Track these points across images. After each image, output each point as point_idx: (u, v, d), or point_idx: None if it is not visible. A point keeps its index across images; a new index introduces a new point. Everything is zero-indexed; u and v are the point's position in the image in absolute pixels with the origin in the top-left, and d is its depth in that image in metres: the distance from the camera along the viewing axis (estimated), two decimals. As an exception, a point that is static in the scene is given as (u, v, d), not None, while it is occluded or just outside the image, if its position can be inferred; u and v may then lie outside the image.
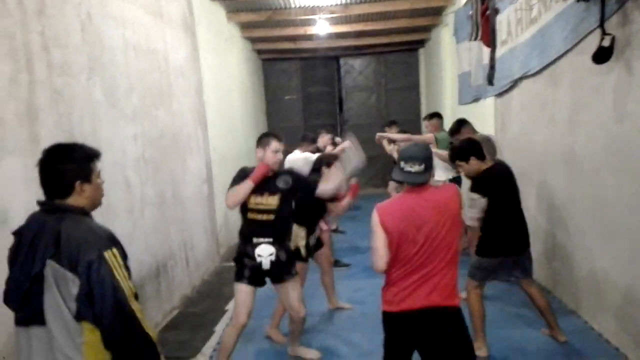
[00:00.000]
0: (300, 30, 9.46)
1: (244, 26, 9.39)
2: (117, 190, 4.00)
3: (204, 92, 6.57)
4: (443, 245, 2.43)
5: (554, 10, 4.28)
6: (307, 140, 6.11)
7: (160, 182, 4.84)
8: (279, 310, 4.11)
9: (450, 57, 8.78)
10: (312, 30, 9.22)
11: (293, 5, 8.16)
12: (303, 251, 4.08)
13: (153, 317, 4.48)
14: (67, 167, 1.94)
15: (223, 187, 3.78)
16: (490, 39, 3.24)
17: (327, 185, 3.41)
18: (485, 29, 3.23)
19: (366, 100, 12.42)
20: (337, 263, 5.56)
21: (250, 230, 3.37)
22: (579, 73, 3.96)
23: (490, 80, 3.58)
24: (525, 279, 3.71)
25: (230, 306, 4.76)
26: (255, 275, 3.37)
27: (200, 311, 4.91)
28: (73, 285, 1.81)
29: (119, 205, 4.00)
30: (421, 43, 11.57)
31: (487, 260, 3.59)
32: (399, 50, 12.05)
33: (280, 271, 3.43)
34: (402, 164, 2.48)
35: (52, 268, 1.82)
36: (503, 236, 3.59)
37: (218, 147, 6.91)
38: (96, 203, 2.05)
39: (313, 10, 8.27)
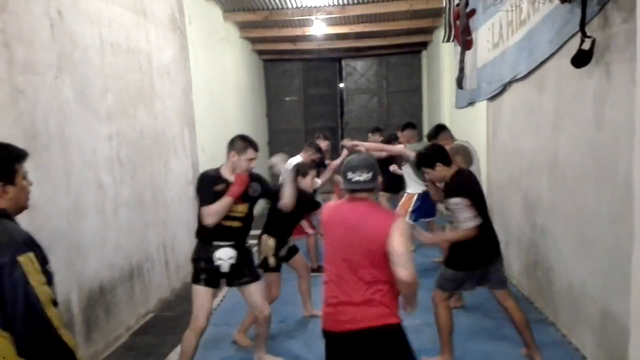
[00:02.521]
0: (298, 31, 9.40)
1: (242, 26, 9.35)
2: (87, 191, 3.93)
3: (194, 92, 6.50)
4: (366, 261, 2.33)
5: (541, 12, 4.13)
6: (313, 147, 6.03)
7: (137, 183, 4.77)
8: (249, 317, 4.02)
9: (449, 59, 8.64)
10: (309, 30, 9.13)
11: (290, 5, 8.08)
12: (272, 261, 4.00)
13: (125, 320, 4.42)
14: None
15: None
16: (461, 40, 3.11)
17: (285, 199, 3.47)
18: (457, 30, 3.10)
19: (368, 102, 12.32)
20: (319, 269, 5.44)
21: (214, 234, 3.31)
22: (563, 77, 3.82)
23: (459, 83, 3.45)
24: (501, 289, 3.55)
25: (206, 310, 4.67)
26: (212, 277, 3.34)
27: (175, 315, 4.83)
28: None
29: (89, 205, 3.93)
30: (424, 45, 11.44)
31: (460, 274, 3.44)
32: (402, 53, 11.93)
33: (241, 274, 3.41)
34: (349, 174, 2.43)
35: (-37, 272, 1.74)
36: (477, 247, 3.42)
37: (207, 148, 6.84)
38: (20, 206, 1.96)
39: (310, 10, 8.19)
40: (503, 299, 3.55)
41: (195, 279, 3.34)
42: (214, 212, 3.17)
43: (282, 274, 4.22)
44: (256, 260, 3.79)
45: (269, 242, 4.01)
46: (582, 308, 3.62)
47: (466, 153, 4.12)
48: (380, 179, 2.51)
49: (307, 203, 4.23)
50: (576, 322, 3.74)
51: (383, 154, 6.10)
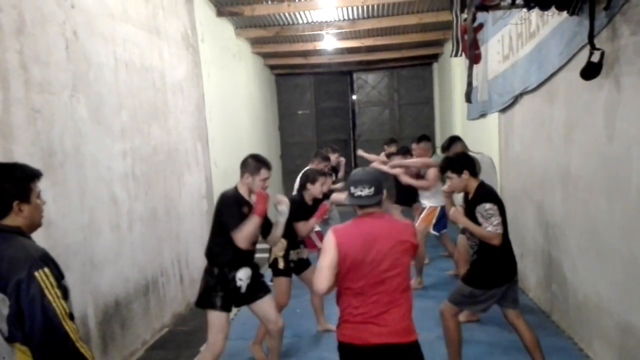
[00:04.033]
0: (309, 46, 9.49)
1: (254, 42, 9.47)
2: (102, 207, 3.99)
3: (206, 107, 6.59)
4: (396, 273, 2.35)
5: (550, 25, 4.15)
6: (319, 157, 6.11)
7: (152, 198, 4.83)
8: (262, 327, 4.01)
9: (461, 71, 8.65)
10: (320, 45, 9.22)
11: (300, 21, 8.17)
12: (281, 262, 4.00)
13: (141, 335, 4.45)
14: (6, 186, 1.92)
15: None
16: (469, 55, 3.14)
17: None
18: (465, 44, 3.13)
19: (379, 115, 12.35)
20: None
21: (235, 257, 3.30)
22: (573, 89, 3.81)
23: (468, 97, 3.46)
24: (514, 309, 3.48)
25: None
26: (229, 301, 3.32)
27: (190, 329, 4.86)
28: (3, 305, 1.79)
29: (103, 222, 3.99)
30: (435, 57, 11.47)
31: (479, 292, 3.39)
32: (413, 65, 11.98)
33: (255, 290, 3.42)
34: (351, 189, 2.44)
35: (-18, 289, 1.79)
36: (499, 265, 3.39)
37: (220, 162, 6.90)
38: (35, 223, 2.01)
39: (320, 25, 8.27)
40: (514, 317, 3.48)
41: (212, 305, 3.27)
42: (247, 235, 3.16)
43: (295, 289, 4.22)
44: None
45: (280, 242, 3.98)
46: (599, 321, 3.58)
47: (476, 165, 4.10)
48: (385, 193, 2.50)
49: (314, 206, 4.22)
50: (593, 335, 3.69)
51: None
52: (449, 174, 3.51)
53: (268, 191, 3.41)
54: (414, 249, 2.42)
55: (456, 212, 3.46)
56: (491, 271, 3.39)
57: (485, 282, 3.39)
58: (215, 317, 3.27)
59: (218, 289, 3.27)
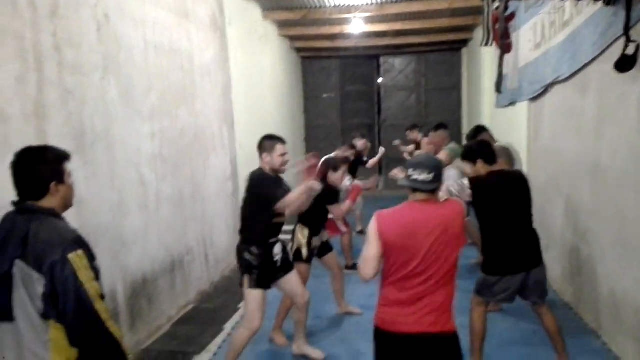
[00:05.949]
0: (336, 29, 9.41)
1: (281, 24, 9.43)
2: (131, 188, 4.08)
3: (233, 90, 6.63)
4: (440, 262, 2.31)
5: (585, 14, 4.04)
6: (347, 145, 6.21)
7: (178, 180, 4.91)
8: (282, 311, 4.10)
9: (490, 58, 8.49)
10: (348, 29, 9.14)
11: (328, 4, 8.10)
12: (304, 251, 4.07)
13: (166, 310, 4.57)
14: (42, 168, 1.99)
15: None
16: (500, 45, 3.08)
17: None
18: (496, 34, 3.08)
19: (405, 100, 12.23)
20: (354, 266, 5.50)
21: (271, 232, 3.48)
22: (606, 81, 3.72)
23: (498, 88, 3.42)
24: (539, 305, 3.45)
25: (243, 304, 4.77)
26: (266, 278, 3.45)
27: (214, 307, 4.96)
28: (39, 284, 1.86)
29: (132, 202, 4.08)
30: (464, 43, 11.26)
31: (492, 279, 3.39)
32: (441, 50, 11.80)
33: (286, 265, 3.59)
34: (410, 171, 2.38)
35: (19, 268, 1.88)
36: (510, 252, 3.35)
37: (246, 145, 6.95)
38: (68, 203, 2.08)
39: (348, 9, 8.19)
40: (538, 308, 3.48)
41: (254, 284, 3.38)
42: (294, 199, 3.28)
43: (316, 270, 4.27)
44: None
45: (303, 231, 4.10)
46: (624, 316, 3.55)
47: (507, 154, 4.06)
48: (442, 183, 2.47)
49: (332, 192, 4.26)
50: (618, 330, 3.66)
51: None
52: (465, 162, 3.54)
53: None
54: (461, 238, 2.38)
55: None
56: (495, 257, 3.40)
57: (493, 268, 3.40)
58: (255, 296, 3.39)
59: (256, 268, 3.39)
